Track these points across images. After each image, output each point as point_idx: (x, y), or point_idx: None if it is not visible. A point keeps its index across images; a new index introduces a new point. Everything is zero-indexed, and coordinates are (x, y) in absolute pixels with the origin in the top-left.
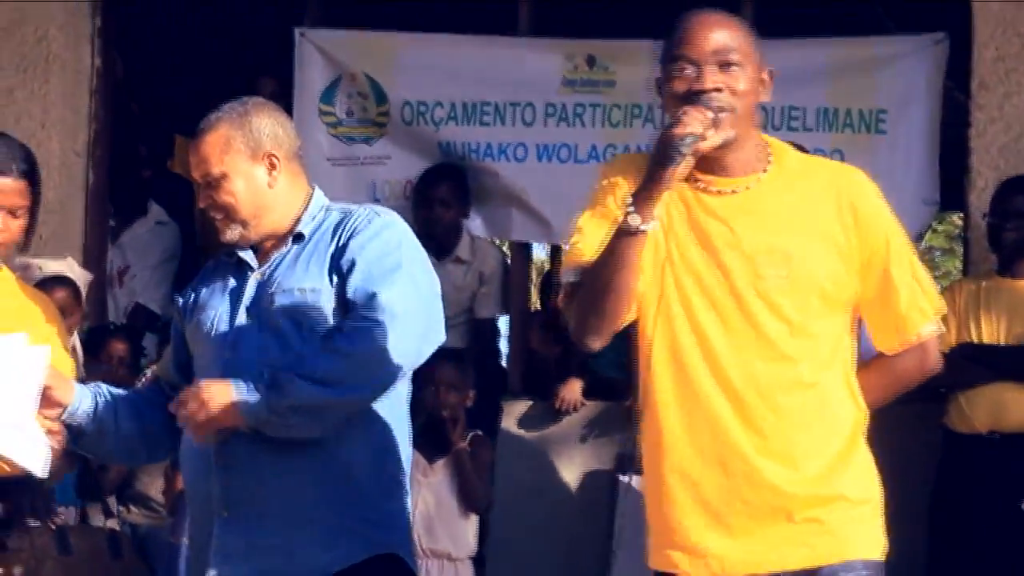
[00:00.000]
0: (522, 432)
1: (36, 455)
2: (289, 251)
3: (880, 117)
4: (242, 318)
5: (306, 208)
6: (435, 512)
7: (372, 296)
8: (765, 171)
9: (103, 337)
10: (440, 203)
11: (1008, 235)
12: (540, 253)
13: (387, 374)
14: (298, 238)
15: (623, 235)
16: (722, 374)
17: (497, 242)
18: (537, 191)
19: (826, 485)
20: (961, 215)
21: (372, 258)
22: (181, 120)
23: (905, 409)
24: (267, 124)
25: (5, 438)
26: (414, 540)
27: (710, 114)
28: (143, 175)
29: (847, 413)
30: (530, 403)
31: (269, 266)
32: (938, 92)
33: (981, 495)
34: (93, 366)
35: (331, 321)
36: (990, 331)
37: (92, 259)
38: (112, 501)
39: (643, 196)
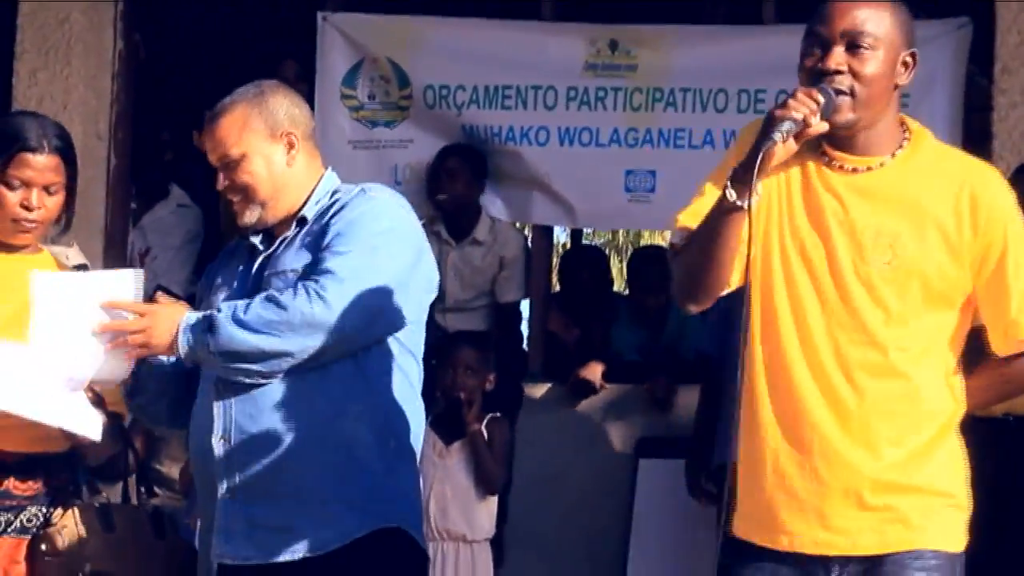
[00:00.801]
0: (542, 415)
1: (89, 420)
2: (293, 234)
3: (903, 101)
4: (242, 300)
5: (316, 190)
6: (451, 494)
7: (323, 259)
8: (893, 155)
9: None
10: (448, 175)
11: None
12: (561, 236)
13: (323, 333)
14: (301, 221)
15: (721, 209)
16: (812, 351)
17: (518, 225)
18: (559, 175)
19: (903, 474)
20: None
21: (342, 228)
22: (205, 104)
23: None
24: (284, 104)
25: (57, 408)
26: (422, 515)
27: (822, 98)
28: (165, 158)
29: (939, 407)
30: (550, 386)
31: (273, 249)
32: (961, 77)
33: (999, 477)
34: None
35: None
36: None
37: (114, 242)
38: (131, 483)
39: (741, 172)
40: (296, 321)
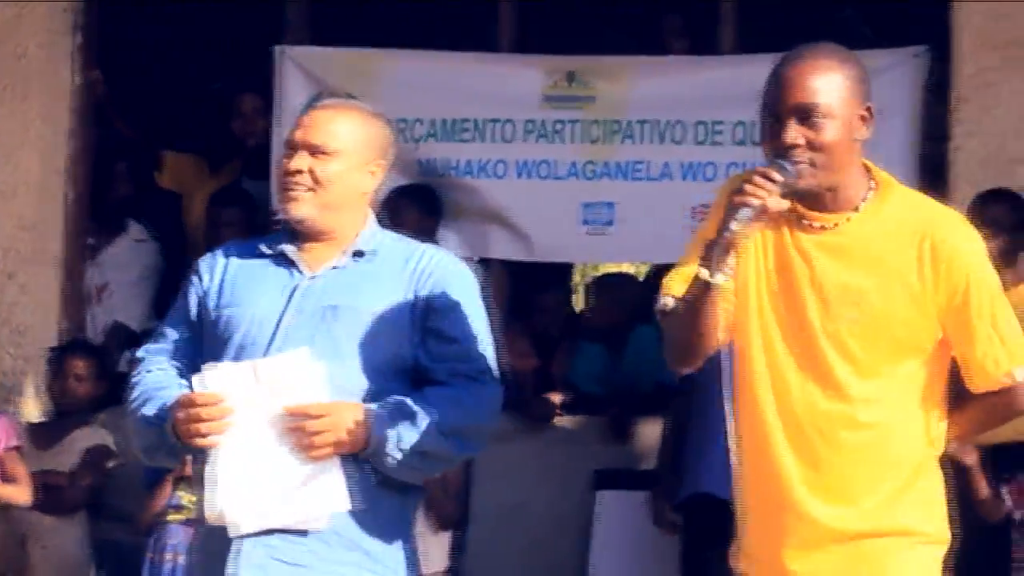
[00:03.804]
0: (501, 447)
1: (314, 506)
2: (346, 266)
3: None
4: (290, 322)
5: (366, 225)
6: None
7: (471, 349)
8: (857, 209)
9: (62, 353)
10: (396, 216)
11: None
12: None
13: (490, 433)
14: (358, 254)
15: (698, 285)
16: (787, 409)
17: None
18: (516, 208)
19: (875, 520)
20: None
21: (464, 308)
22: (165, 137)
23: None
24: (389, 137)
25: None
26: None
27: (779, 176)
28: (120, 192)
29: (911, 451)
30: (508, 417)
31: (322, 275)
32: (918, 105)
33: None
34: (54, 383)
35: (396, 351)
36: None
37: (71, 276)
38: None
39: (711, 250)
40: (477, 430)
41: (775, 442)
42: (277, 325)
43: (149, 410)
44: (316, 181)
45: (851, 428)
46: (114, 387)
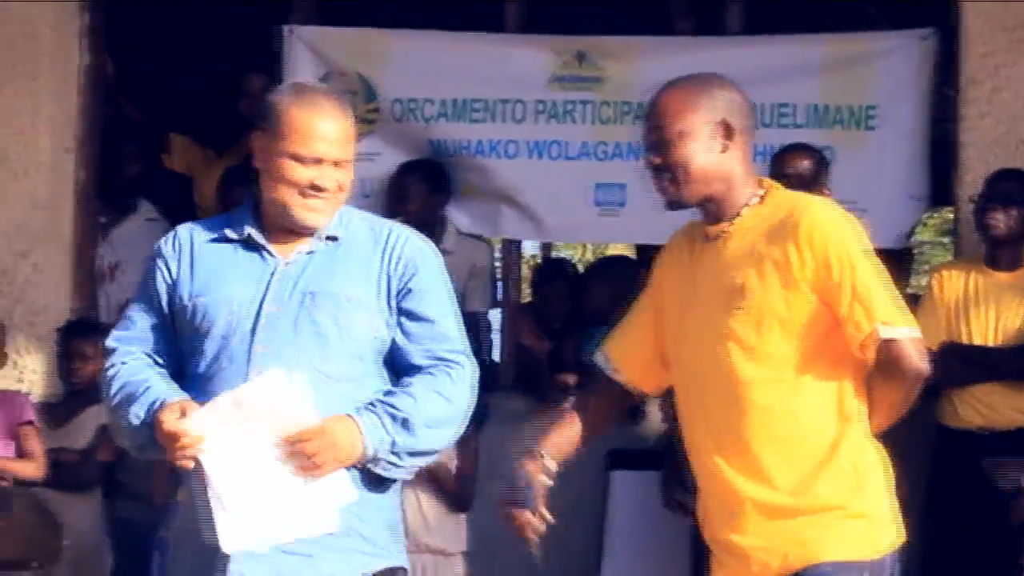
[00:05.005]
0: (514, 428)
1: (324, 511)
2: (319, 250)
3: (870, 113)
4: (271, 310)
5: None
6: (427, 509)
7: (444, 332)
8: (739, 215)
9: (68, 334)
10: (405, 193)
11: (991, 219)
12: (530, 249)
13: (467, 418)
14: (331, 239)
15: None
16: (704, 401)
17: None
18: (527, 188)
19: (795, 496)
20: (951, 210)
21: (435, 292)
22: (174, 118)
23: None
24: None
25: (286, 516)
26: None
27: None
28: (130, 172)
29: (820, 429)
30: (521, 398)
31: (296, 261)
32: (927, 88)
33: (974, 489)
34: (62, 363)
35: (374, 334)
36: (980, 329)
37: (82, 255)
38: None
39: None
40: (461, 416)
41: (700, 428)
42: (258, 314)
43: (137, 412)
44: (339, 190)
45: (754, 410)
46: None
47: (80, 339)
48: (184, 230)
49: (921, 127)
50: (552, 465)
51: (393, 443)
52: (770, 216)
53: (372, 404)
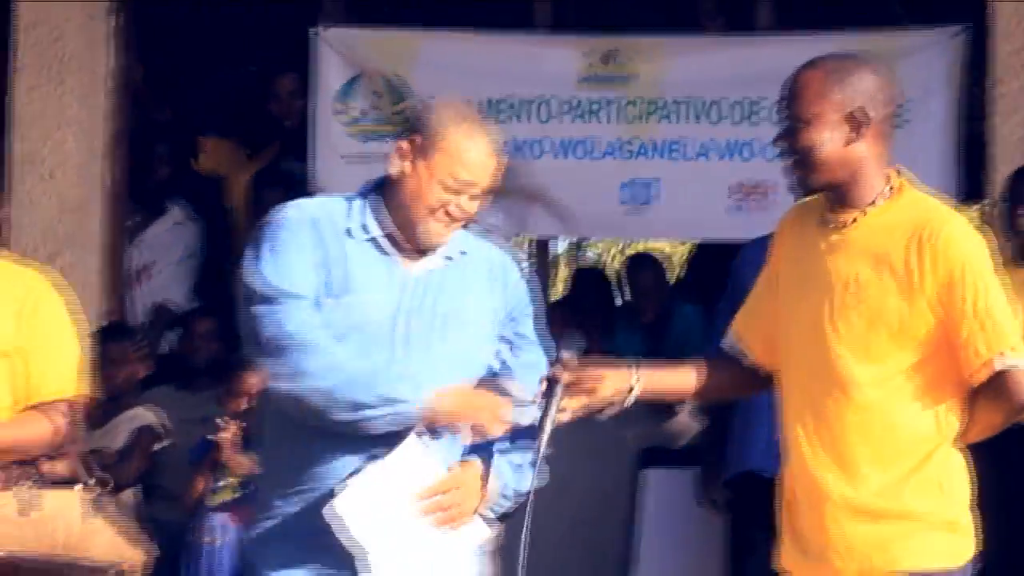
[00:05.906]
0: None
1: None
2: (442, 269)
3: (901, 110)
4: (403, 317)
5: None
6: None
7: (544, 361)
8: (865, 212)
9: (98, 340)
10: None
11: (1021, 220)
12: (558, 248)
13: None
14: (449, 258)
15: None
16: (803, 392)
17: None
18: (555, 187)
19: (883, 499)
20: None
21: (534, 316)
22: (204, 120)
23: None
24: None
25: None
26: None
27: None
28: (160, 174)
29: (918, 438)
30: None
31: (422, 278)
32: (957, 85)
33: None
34: (93, 368)
35: (486, 361)
36: None
37: (112, 258)
38: (132, 493)
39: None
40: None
41: (798, 412)
42: (394, 327)
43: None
44: (467, 217)
45: (853, 409)
46: (159, 367)
47: (109, 343)
48: (309, 208)
49: (951, 124)
50: (637, 388)
51: (505, 484)
52: (901, 216)
53: (494, 446)
